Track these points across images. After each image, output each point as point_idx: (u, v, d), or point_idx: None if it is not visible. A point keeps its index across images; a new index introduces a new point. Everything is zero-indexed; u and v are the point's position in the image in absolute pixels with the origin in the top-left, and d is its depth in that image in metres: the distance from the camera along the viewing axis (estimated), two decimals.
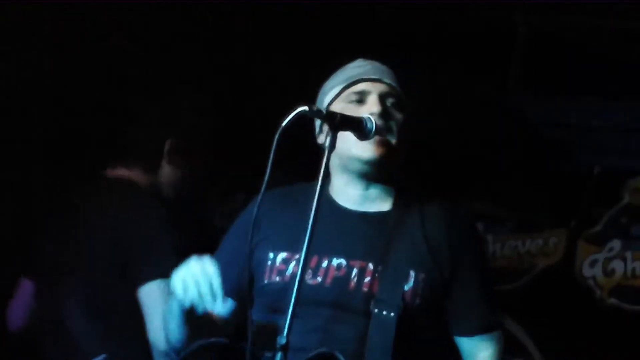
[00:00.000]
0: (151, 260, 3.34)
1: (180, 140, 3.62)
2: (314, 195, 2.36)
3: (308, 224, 2.36)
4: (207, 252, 3.74)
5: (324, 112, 2.43)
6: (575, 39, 4.62)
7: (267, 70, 4.62)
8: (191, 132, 3.66)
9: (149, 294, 3.31)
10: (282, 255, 2.58)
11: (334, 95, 2.66)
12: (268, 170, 2.37)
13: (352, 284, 2.52)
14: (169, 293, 3.23)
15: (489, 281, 2.67)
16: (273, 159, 2.35)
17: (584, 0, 4.44)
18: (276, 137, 2.36)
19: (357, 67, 2.68)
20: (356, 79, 2.63)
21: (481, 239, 2.72)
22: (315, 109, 2.41)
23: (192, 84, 4.45)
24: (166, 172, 3.61)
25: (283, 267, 2.57)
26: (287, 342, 2.25)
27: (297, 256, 2.52)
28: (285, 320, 2.24)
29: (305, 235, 2.36)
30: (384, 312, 2.43)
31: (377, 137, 2.54)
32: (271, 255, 2.60)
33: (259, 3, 4.33)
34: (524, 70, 4.69)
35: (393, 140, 2.58)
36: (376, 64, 2.68)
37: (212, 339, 2.44)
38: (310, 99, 2.60)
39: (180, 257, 3.07)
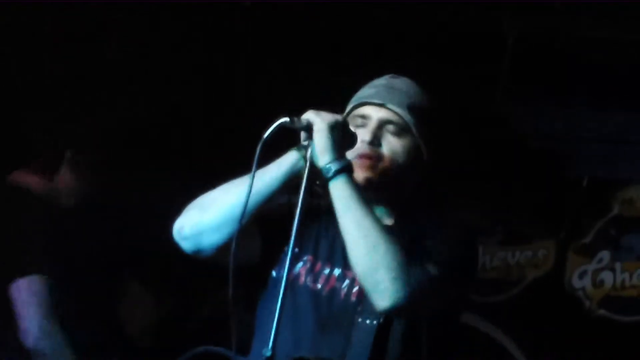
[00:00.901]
0: (20, 259, 3.58)
1: (80, 151, 3.86)
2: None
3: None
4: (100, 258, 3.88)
5: (305, 122, 2.42)
6: (564, 49, 4.62)
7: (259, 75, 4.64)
8: (91, 145, 3.92)
9: (18, 290, 3.54)
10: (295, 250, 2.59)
11: (345, 115, 2.67)
12: (251, 182, 2.38)
13: (343, 293, 2.55)
14: (37, 290, 3.50)
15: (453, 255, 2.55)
16: (255, 170, 2.38)
17: (574, 10, 4.44)
18: (258, 148, 2.37)
19: (370, 88, 2.69)
20: (362, 101, 2.65)
21: (467, 240, 2.67)
22: (296, 119, 2.42)
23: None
24: (65, 179, 3.83)
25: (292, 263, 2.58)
26: (273, 354, 2.26)
27: (304, 257, 2.58)
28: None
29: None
30: (367, 322, 2.44)
31: (361, 161, 2.54)
32: (285, 248, 2.59)
33: (257, 3, 4.34)
34: (513, 80, 4.69)
35: (380, 166, 2.57)
36: (392, 85, 2.68)
37: (210, 347, 2.44)
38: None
39: (60, 261, 3.54)
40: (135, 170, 4.30)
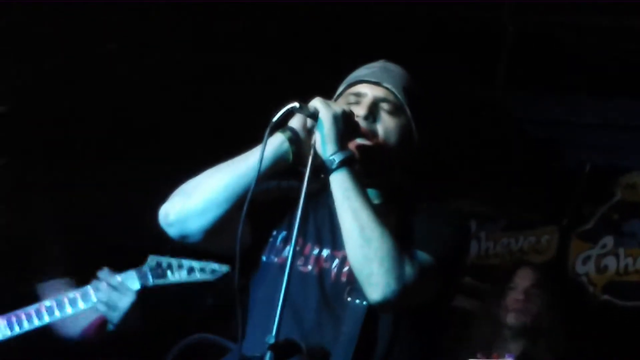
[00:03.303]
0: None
1: None
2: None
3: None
4: None
5: (312, 109, 2.45)
6: (564, 37, 4.63)
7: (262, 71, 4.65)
8: None
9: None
10: (283, 234, 2.62)
11: (338, 94, 2.70)
12: (259, 167, 2.41)
13: (333, 274, 2.55)
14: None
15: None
16: (263, 152, 2.41)
17: None
18: (267, 132, 2.40)
19: (365, 69, 2.71)
20: (357, 79, 2.66)
21: (458, 228, 2.67)
22: (304, 105, 2.44)
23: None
24: None
25: (281, 246, 2.61)
26: (277, 341, 2.28)
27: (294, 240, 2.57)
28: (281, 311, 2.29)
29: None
30: (357, 301, 2.45)
31: (355, 140, 2.55)
32: (274, 232, 2.64)
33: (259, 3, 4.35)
34: (513, 68, 4.70)
35: (374, 142, 2.59)
36: (387, 67, 2.70)
37: (202, 335, 2.45)
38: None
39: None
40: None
